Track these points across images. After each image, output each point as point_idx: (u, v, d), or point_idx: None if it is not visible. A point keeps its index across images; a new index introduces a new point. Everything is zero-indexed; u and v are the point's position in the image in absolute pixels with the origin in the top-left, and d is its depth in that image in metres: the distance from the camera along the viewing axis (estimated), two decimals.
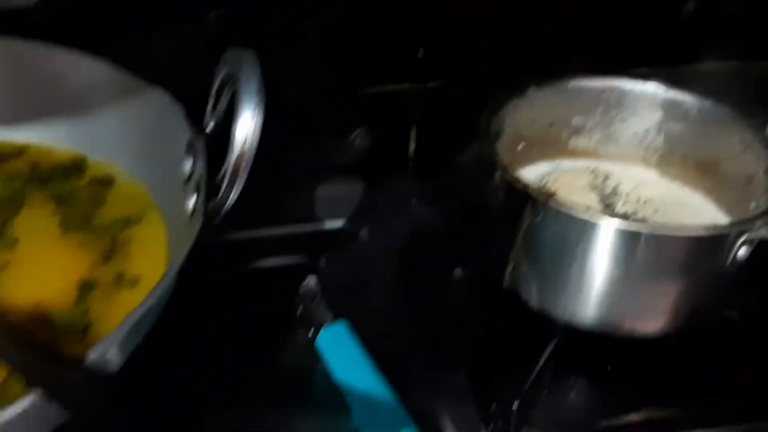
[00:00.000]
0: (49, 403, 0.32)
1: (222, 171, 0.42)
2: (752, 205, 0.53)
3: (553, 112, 0.59)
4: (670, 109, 0.58)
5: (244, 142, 0.40)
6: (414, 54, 0.66)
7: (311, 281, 0.56)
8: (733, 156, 0.55)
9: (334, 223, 0.65)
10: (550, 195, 0.46)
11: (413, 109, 0.70)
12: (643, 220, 0.53)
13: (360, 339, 0.51)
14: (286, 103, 0.65)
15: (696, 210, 0.57)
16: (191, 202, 0.43)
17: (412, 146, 0.72)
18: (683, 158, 0.59)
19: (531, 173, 0.60)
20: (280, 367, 0.52)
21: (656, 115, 0.59)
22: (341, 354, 0.51)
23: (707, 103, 0.57)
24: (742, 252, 0.46)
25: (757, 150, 0.54)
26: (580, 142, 0.61)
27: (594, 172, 0.60)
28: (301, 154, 0.68)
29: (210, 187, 0.43)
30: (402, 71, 0.68)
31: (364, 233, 0.64)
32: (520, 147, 0.59)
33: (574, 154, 0.61)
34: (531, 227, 0.48)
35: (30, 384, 0.32)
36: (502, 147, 0.57)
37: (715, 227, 0.45)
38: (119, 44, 0.55)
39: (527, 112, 0.58)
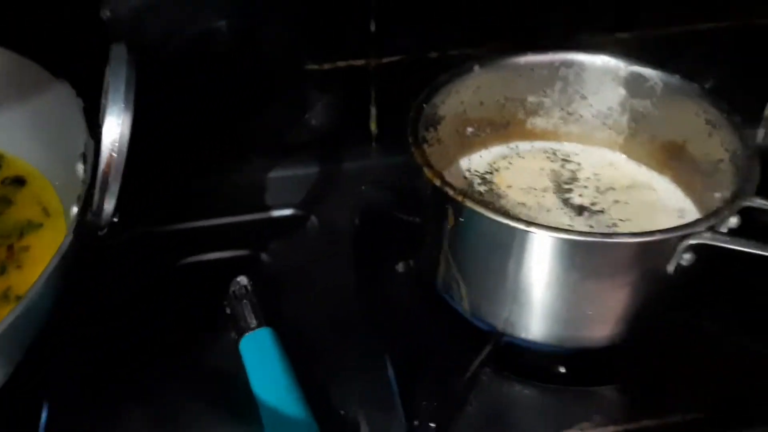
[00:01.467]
0: None
1: (94, 182, 0.38)
2: (717, 195, 0.48)
3: (504, 91, 0.54)
4: (634, 85, 0.52)
5: (112, 149, 0.37)
6: (366, 27, 0.61)
7: (242, 280, 0.52)
8: (700, 138, 0.49)
9: (283, 212, 0.62)
10: (468, 195, 0.41)
11: (370, 85, 0.65)
12: (598, 212, 0.49)
13: (284, 342, 0.48)
14: (232, 80, 0.62)
15: (661, 198, 0.52)
16: (72, 211, 0.40)
17: (373, 125, 0.67)
18: (650, 139, 0.53)
19: (483, 158, 0.55)
20: (203, 368, 0.50)
21: (619, 92, 0.53)
22: (261, 363, 0.48)
23: (673, 79, 0.51)
24: (688, 257, 0.40)
25: (725, 133, 0.48)
26: (538, 122, 0.56)
27: (553, 155, 0.55)
28: (251, 137, 0.64)
29: (87, 197, 0.39)
30: (355, 46, 0.63)
31: (312, 221, 0.60)
32: (468, 131, 0.54)
33: (532, 135, 0.56)
34: (454, 229, 0.44)
35: None
36: (444, 133, 0.52)
37: (652, 233, 0.39)
38: (29, 35, 0.52)
39: (473, 93, 0.53)
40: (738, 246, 0.39)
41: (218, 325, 0.51)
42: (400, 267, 0.55)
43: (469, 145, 0.55)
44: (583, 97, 0.54)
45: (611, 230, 0.47)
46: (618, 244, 0.40)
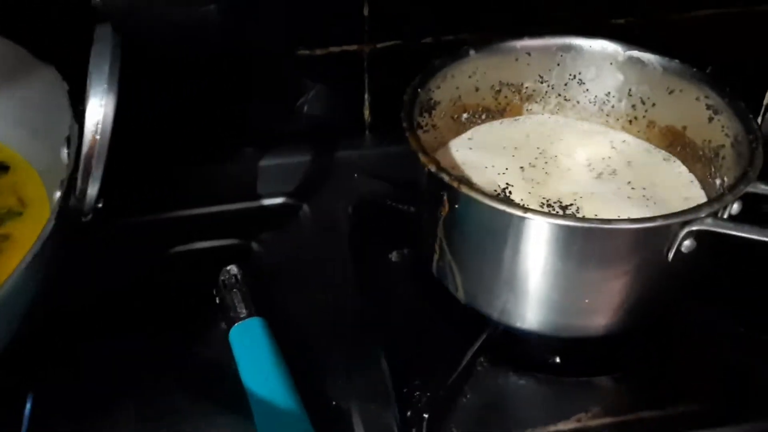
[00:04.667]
0: None
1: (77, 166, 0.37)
2: (718, 181, 0.47)
3: (500, 76, 0.53)
4: (632, 69, 0.51)
5: (95, 132, 0.36)
6: (359, 12, 0.60)
7: (232, 269, 0.51)
8: (700, 123, 0.48)
9: (274, 201, 0.61)
10: (464, 182, 0.40)
11: (364, 71, 0.64)
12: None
13: (276, 333, 0.47)
14: (222, 67, 0.60)
15: (667, 175, 0.50)
16: (55, 196, 0.39)
17: (367, 113, 0.66)
18: (648, 125, 0.52)
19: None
20: (193, 358, 0.49)
21: (618, 77, 0.52)
22: (251, 353, 0.47)
23: (673, 64, 0.50)
24: (687, 244, 0.39)
25: (726, 119, 0.47)
26: (534, 108, 0.55)
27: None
28: (243, 125, 0.63)
29: (71, 182, 0.38)
30: (348, 31, 0.62)
31: (304, 210, 0.59)
32: (464, 117, 0.53)
33: None
34: (449, 216, 0.43)
35: None
36: (439, 119, 0.51)
37: (653, 219, 0.38)
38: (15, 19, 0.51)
39: (468, 78, 0.52)
40: (740, 232, 0.38)
41: (208, 316, 0.50)
42: (393, 256, 0.54)
43: (464, 130, 0.54)
44: (581, 83, 0.53)
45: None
46: (616, 231, 0.38)
